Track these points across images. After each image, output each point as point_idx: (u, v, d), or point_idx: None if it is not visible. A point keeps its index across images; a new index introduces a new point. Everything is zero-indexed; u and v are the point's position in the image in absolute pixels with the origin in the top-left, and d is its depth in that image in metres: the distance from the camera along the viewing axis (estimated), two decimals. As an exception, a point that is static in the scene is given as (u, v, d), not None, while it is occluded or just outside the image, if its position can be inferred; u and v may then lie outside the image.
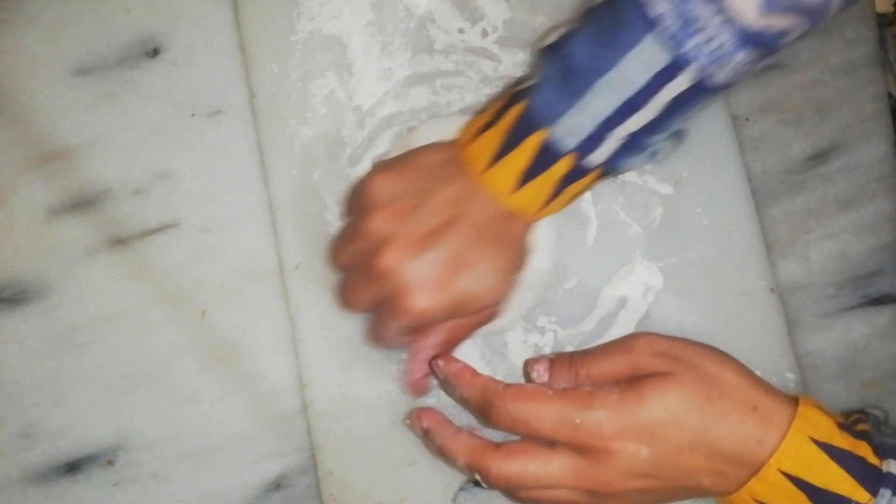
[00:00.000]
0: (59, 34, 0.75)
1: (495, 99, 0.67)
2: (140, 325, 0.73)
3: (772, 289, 0.73)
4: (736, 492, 0.61)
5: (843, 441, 0.60)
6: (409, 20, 0.75)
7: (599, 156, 0.62)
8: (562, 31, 0.63)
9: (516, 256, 0.67)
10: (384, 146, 0.74)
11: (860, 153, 0.76)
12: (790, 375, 0.72)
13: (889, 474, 0.59)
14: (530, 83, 0.63)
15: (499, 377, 0.70)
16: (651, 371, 0.62)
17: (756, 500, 0.61)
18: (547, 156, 0.62)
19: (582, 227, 0.74)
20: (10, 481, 0.72)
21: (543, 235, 0.70)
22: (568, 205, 0.67)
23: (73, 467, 0.72)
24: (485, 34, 0.75)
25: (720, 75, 0.59)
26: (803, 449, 0.60)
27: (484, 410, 0.64)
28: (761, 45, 0.58)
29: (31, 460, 0.72)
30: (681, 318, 0.72)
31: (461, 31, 0.75)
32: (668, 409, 0.60)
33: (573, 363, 0.65)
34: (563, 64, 0.61)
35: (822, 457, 0.59)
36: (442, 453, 0.66)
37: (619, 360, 0.64)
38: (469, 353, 0.72)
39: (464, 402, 0.67)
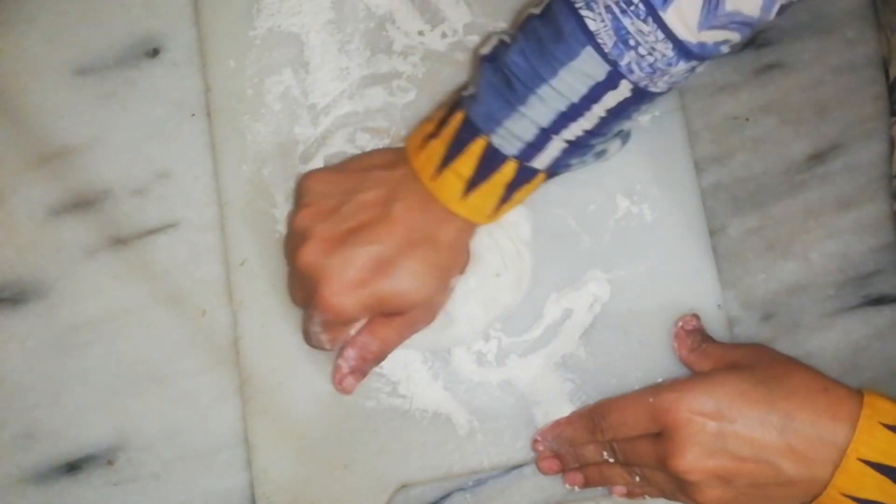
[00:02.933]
0: (59, 34, 0.75)
1: (439, 107, 0.67)
2: (140, 326, 0.73)
3: (719, 305, 0.73)
4: (824, 490, 0.61)
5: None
6: (369, 20, 0.75)
7: (543, 160, 0.63)
8: (499, 39, 0.64)
9: (450, 259, 0.67)
10: (337, 145, 0.74)
11: (860, 153, 0.75)
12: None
13: None
14: (471, 91, 0.64)
15: (440, 383, 0.72)
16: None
17: (845, 496, 0.61)
18: (491, 162, 0.63)
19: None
20: (11, 481, 0.72)
21: (522, 257, 0.71)
22: (498, 214, 0.67)
23: (73, 467, 0.72)
24: (444, 37, 0.75)
25: (660, 84, 0.60)
26: (876, 434, 0.60)
27: (594, 434, 0.69)
28: (699, 56, 0.59)
29: (31, 460, 0.72)
30: (626, 332, 0.72)
31: (421, 33, 0.75)
32: (734, 385, 0.63)
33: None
34: (502, 73, 0.62)
35: (882, 479, 0.60)
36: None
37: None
38: (411, 357, 0.72)
39: (577, 443, 0.70)
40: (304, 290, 0.66)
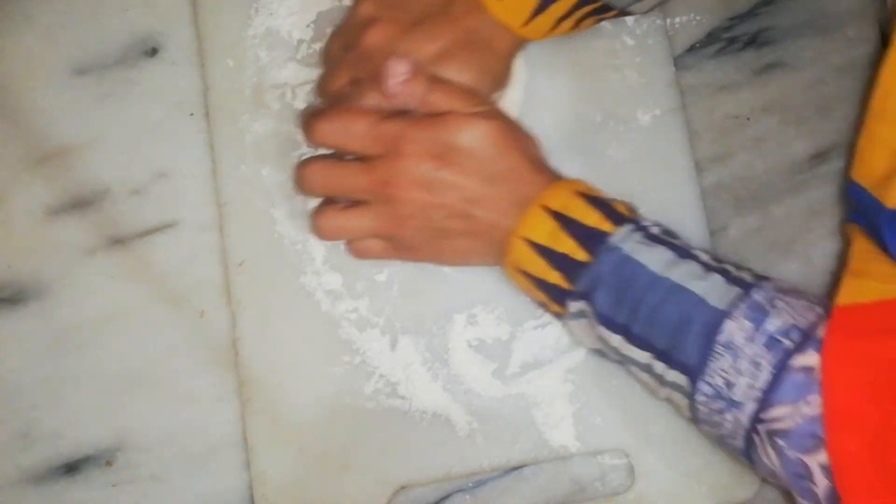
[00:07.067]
0: (58, 33, 0.75)
1: None
2: (139, 326, 0.73)
3: None
4: (505, 249, 0.66)
5: (577, 212, 0.65)
6: None
7: None
8: None
9: (501, 67, 0.70)
10: None
11: (862, 153, 0.75)
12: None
13: (611, 236, 0.63)
14: None
15: (440, 384, 0.72)
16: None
17: (517, 268, 0.66)
18: None
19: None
20: (9, 482, 0.72)
21: (518, 68, 0.73)
22: (553, 34, 0.70)
23: (71, 468, 0.72)
24: None
25: None
26: (541, 219, 0.65)
27: (307, 128, 0.70)
28: None
29: (29, 461, 0.72)
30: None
31: None
32: (465, 137, 0.66)
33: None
34: None
35: (554, 224, 0.64)
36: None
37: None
38: (411, 358, 0.72)
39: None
40: (361, 70, 0.69)
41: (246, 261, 0.72)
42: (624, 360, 0.64)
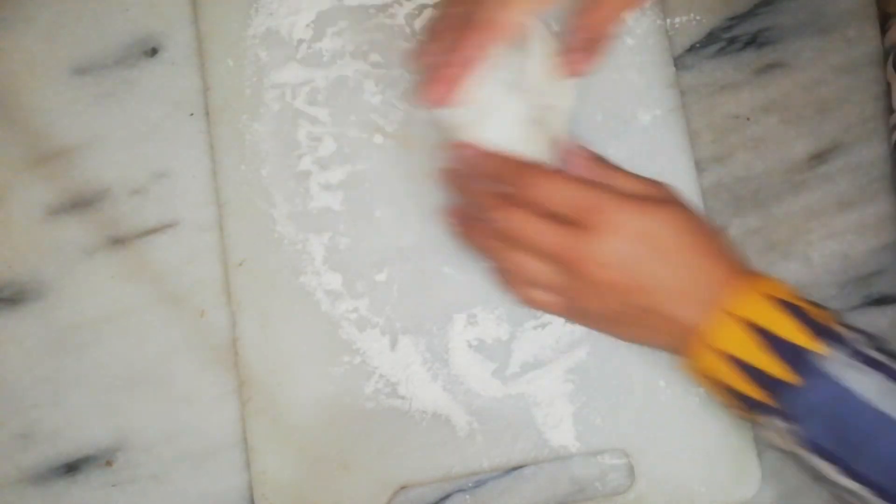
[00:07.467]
0: (58, 33, 0.75)
1: None
2: (139, 326, 0.73)
3: None
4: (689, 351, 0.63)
5: (773, 322, 0.61)
6: (370, 19, 0.75)
7: None
8: None
9: None
10: (334, 145, 0.74)
11: (862, 153, 0.75)
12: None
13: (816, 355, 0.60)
14: None
15: (440, 383, 0.72)
16: None
17: (704, 375, 0.63)
18: None
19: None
20: (9, 482, 0.72)
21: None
22: None
23: (71, 468, 0.72)
24: None
25: None
26: (733, 329, 0.61)
27: (510, 182, 0.66)
28: None
29: (29, 461, 0.72)
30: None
31: None
32: (659, 225, 0.63)
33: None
34: None
35: (747, 335, 0.61)
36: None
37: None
38: (411, 358, 0.72)
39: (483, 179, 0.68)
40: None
41: (246, 261, 0.72)
42: (834, 486, 0.61)
